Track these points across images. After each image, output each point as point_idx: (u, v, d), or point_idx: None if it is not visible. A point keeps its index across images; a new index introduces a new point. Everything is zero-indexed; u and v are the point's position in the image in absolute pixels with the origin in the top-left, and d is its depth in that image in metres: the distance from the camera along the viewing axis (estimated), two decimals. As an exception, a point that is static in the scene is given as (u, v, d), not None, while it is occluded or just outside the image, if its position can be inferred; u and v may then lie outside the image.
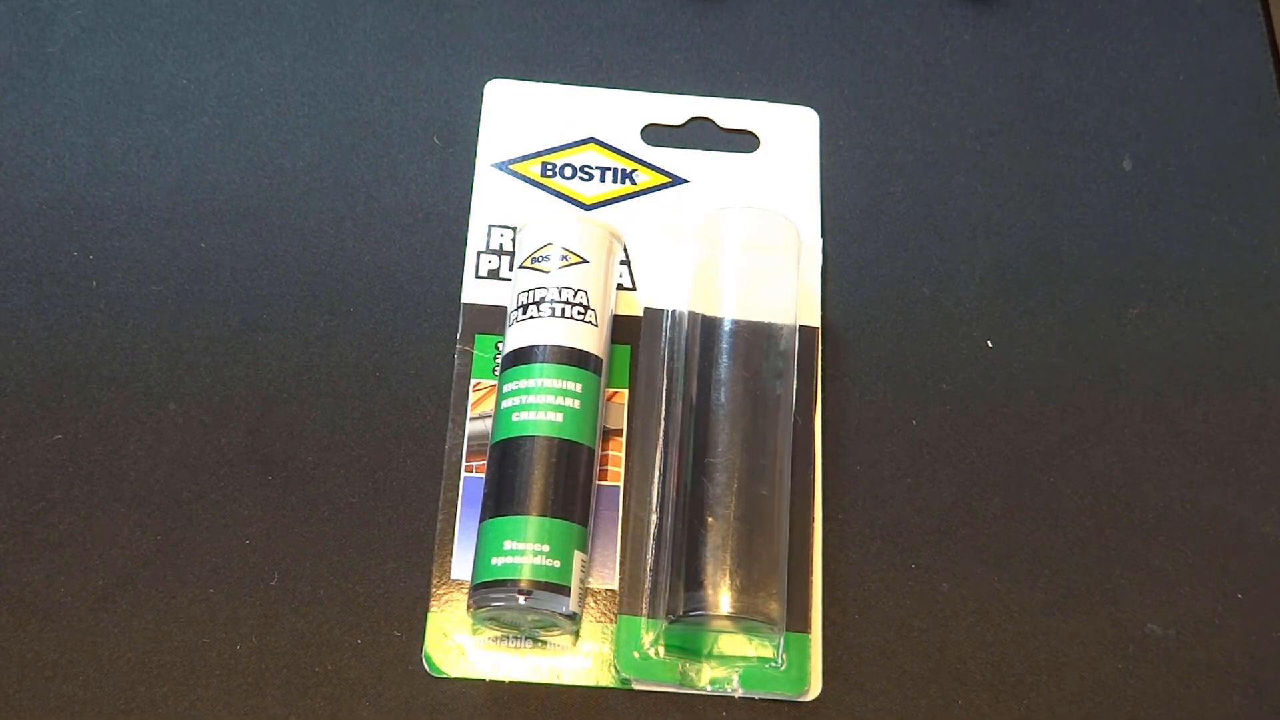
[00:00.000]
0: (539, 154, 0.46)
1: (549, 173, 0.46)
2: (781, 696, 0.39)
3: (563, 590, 0.37)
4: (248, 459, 0.41)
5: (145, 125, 0.46)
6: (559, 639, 0.39)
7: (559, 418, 0.39)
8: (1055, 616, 0.41)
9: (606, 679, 0.39)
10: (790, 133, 0.48)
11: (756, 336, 0.40)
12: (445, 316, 0.44)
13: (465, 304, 0.43)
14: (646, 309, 0.43)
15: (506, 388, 0.40)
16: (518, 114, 0.47)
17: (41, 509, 0.40)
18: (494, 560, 0.37)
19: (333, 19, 0.49)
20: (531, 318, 0.40)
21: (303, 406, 0.42)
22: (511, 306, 0.41)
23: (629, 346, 0.43)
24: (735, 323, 0.41)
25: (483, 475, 0.40)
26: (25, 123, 0.46)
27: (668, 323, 0.43)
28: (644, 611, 0.39)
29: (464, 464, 0.41)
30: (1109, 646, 0.40)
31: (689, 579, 0.38)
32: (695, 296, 0.42)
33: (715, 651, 0.39)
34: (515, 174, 0.46)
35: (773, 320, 0.41)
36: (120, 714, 0.38)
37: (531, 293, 0.40)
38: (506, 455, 0.39)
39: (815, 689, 0.39)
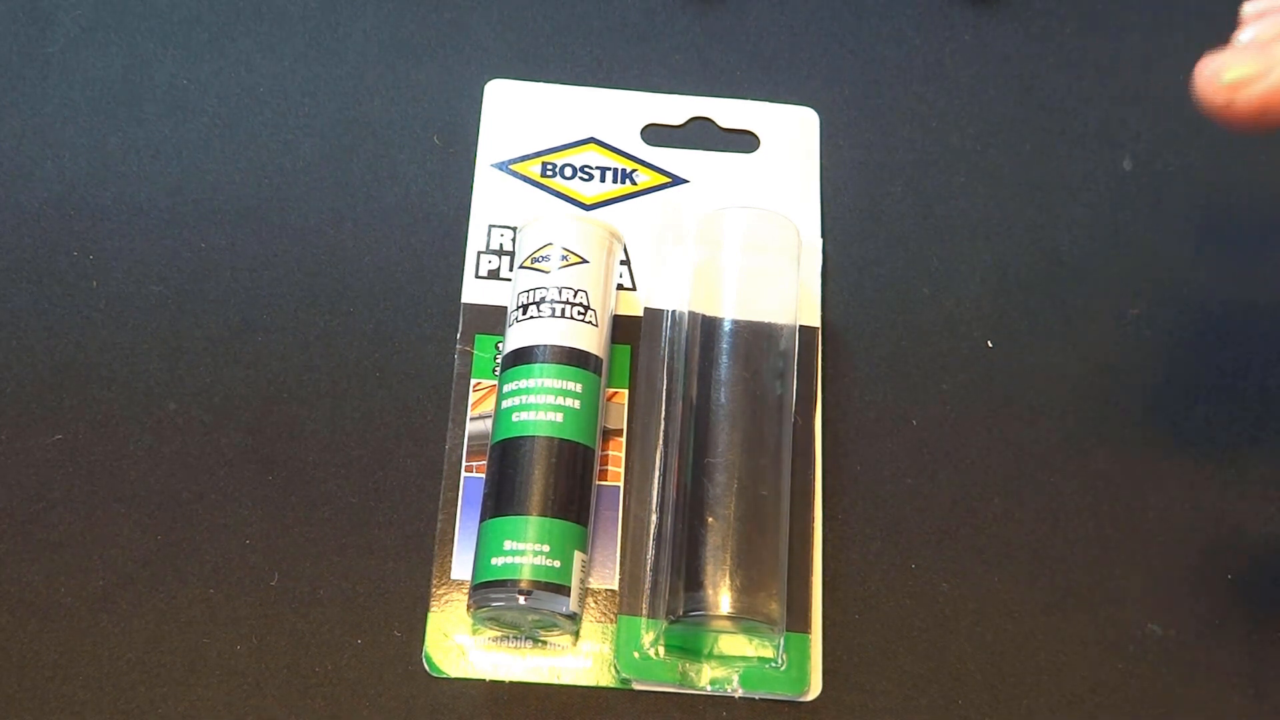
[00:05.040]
0: (539, 154, 0.46)
1: (549, 173, 0.46)
2: (781, 696, 0.39)
3: (563, 590, 0.37)
4: (248, 459, 0.41)
5: (145, 125, 0.46)
6: (559, 639, 0.39)
7: (559, 418, 0.39)
8: (1055, 616, 0.41)
9: (606, 679, 0.39)
10: (790, 133, 0.48)
11: (756, 336, 0.40)
12: (445, 316, 0.44)
13: (465, 304, 0.43)
14: (646, 309, 0.43)
15: (506, 388, 0.40)
16: (518, 114, 0.47)
17: (41, 509, 0.40)
18: (494, 560, 0.37)
19: (333, 19, 0.49)
20: (531, 318, 0.40)
21: (303, 406, 0.42)
22: (511, 306, 0.41)
23: (629, 346, 0.43)
24: (735, 323, 0.41)
25: (483, 475, 0.40)
26: (25, 123, 0.46)
27: (668, 323, 0.43)
28: (644, 611, 0.39)
29: (464, 464, 0.41)
30: (1109, 646, 0.40)
31: (689, 579, 0.38)
32: (695, 296, 0.42)
33: (715, 651, 0.39)
34: (515, 174, 0.46)
35: (773, 320, 0.41)
36: (120, 714, 0.38)
37: (531, 293, 0.40)
38: (506, 455, 0.39)
39: (815, 689, 0.39)
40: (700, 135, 0.47)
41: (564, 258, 0.41)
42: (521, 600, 0.37)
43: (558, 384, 0.39)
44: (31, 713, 0.38)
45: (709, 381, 0.40)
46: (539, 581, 0.37)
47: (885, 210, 0.47)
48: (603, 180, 0.46)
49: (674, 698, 0.39)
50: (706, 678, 0.39)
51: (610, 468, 0.41)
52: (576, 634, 0.39)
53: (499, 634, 0.39)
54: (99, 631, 0.39)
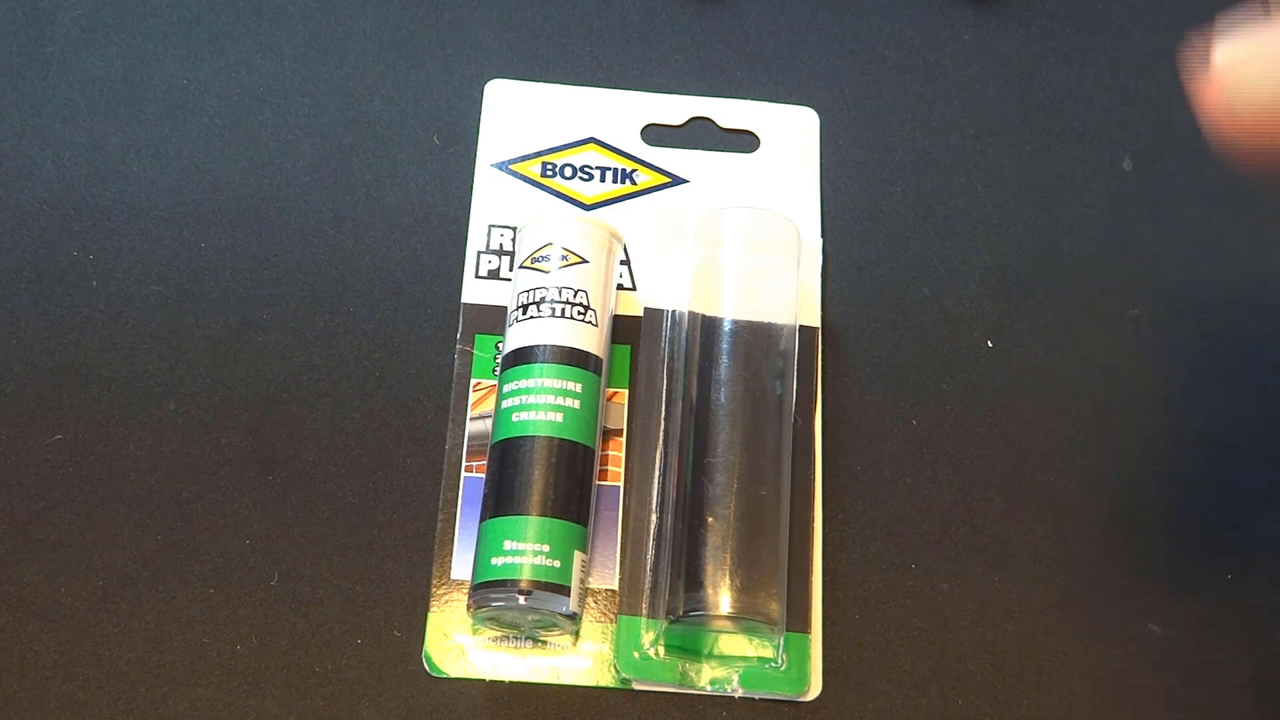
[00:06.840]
0: (539, 154, 0.46)
1: (549, 173, 0.46)
2: (781, 696, 0.39)
3: (563, 590, 0.37)
4: (248, 459, 0.41)
5: (145, 125, 0.46)
6: (559, 639, 0.39)
7: (559, 418, 0.39)
8: (1055, 616, 0.41)
9: (606, 679, 0.39)
10: (790, 133, 0.48)
11: (756, 336, 0.40)
12: (445, 316, 0.44)
13: (465, 304, 0.43)
14: (646, 309, 0.43)
15: (506, 388, 0.40)
16: (518, 114, 0.47)
17: (41, 509, 0.40)
18: (494, 560, 0.37)
19: (333, 19, 0.49)
20: (531, 318, 0.40)
21: (303, 406, 0.42)
22: (511, 306, 0.41)
23: (629, 346, 0.43)
24: (735, 323, 0.41)
25: (483, 475, 0.40)
26: (25, 123, 0.46)
27: (668, 323, 0.43)
28: (644, 611, 0.39)
29: (464, 464, 0.41)
30: (1109, 646, 0.40)
31: (689, 579, 0.38)
32: (695, 296, 0.42)
33: (715, 651, 0.39)
34: (515, 174, 0.46)
35: (773, 320, 0.41)
36: (120, 714, 0.38)
37: (531, 293, 0.40)
38: (506, 455, 0.39)
39: (815, 689, 0.39)
40: (700, 135, 0.47)
41: (564, 258, 0.41)
42: (521, 600, 0.37)
43: (558, 384, 0.39)
44: (31, 713, 0.38)
45: (709, 381, 0.40)
46: (539, 581, 0.37)
47: (885, 210, 0.47)
48: (603, 180, 0.46)
49: (674, 698, 0.39)
50: (706, 678, 0.39)
51: (610, 468, 0.41)
52: (576, 634, 0.39)
53: (499, 634, 0.39)
54: (99, 631, 0.39)
